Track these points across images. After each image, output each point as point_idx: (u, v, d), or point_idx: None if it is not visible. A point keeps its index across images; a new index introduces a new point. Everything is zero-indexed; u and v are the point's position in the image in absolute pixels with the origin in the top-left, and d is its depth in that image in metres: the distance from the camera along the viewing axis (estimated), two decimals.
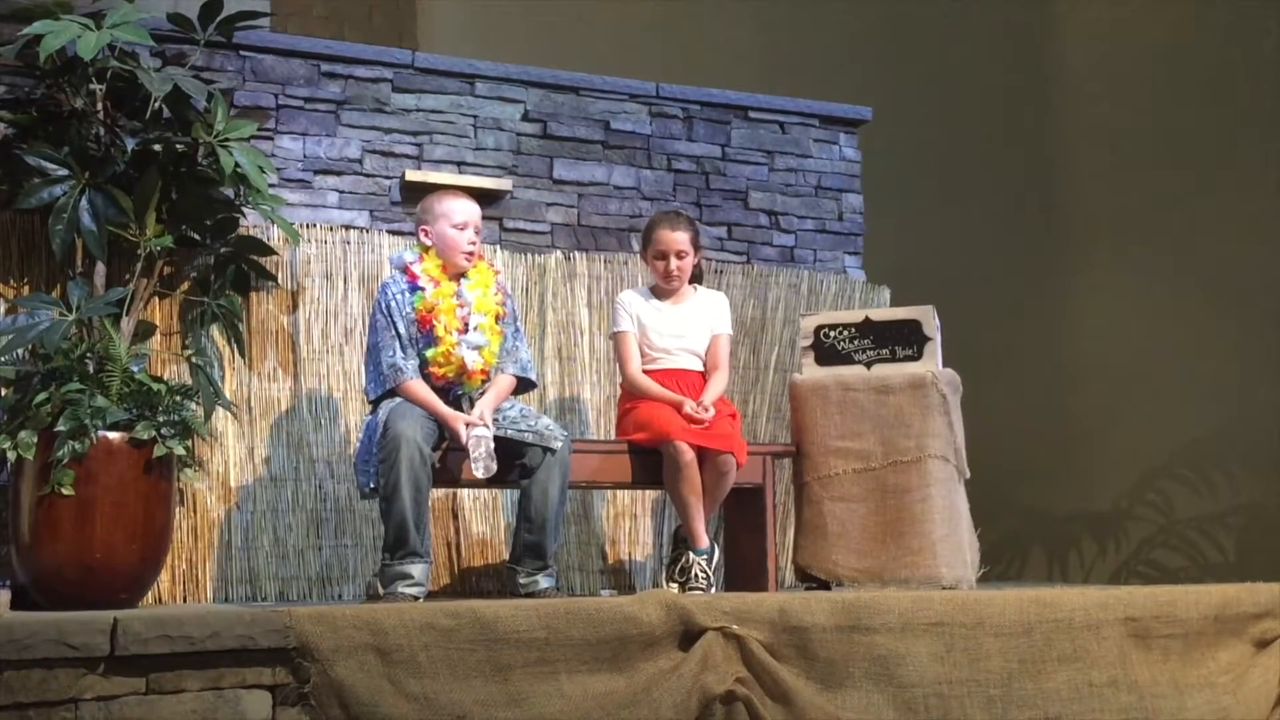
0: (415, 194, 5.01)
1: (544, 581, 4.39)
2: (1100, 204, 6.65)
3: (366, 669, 3.44)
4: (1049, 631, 4.05)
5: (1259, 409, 5.88)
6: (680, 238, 4.85)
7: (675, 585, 4.68)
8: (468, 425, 4.30)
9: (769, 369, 5.73)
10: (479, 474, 4.28)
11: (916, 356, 4.91)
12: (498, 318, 4.52)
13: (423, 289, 4.45)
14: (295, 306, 5.01)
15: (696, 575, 4.63)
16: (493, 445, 4.30)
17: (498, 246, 5.37)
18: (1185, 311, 6.18)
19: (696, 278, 5.00)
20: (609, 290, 5.45)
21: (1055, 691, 4.00)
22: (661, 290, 4.90)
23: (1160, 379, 6.25)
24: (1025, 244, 6.91)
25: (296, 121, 5.16)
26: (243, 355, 4.85)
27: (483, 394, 4.46)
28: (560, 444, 4.39)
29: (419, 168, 5.32)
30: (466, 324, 4.45)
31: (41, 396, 3.93)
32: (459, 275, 4.53)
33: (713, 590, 4.62)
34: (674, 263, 4.84)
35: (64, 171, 4.35)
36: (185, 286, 4.74)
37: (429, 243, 4.53)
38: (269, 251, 4.84)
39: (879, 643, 3.89)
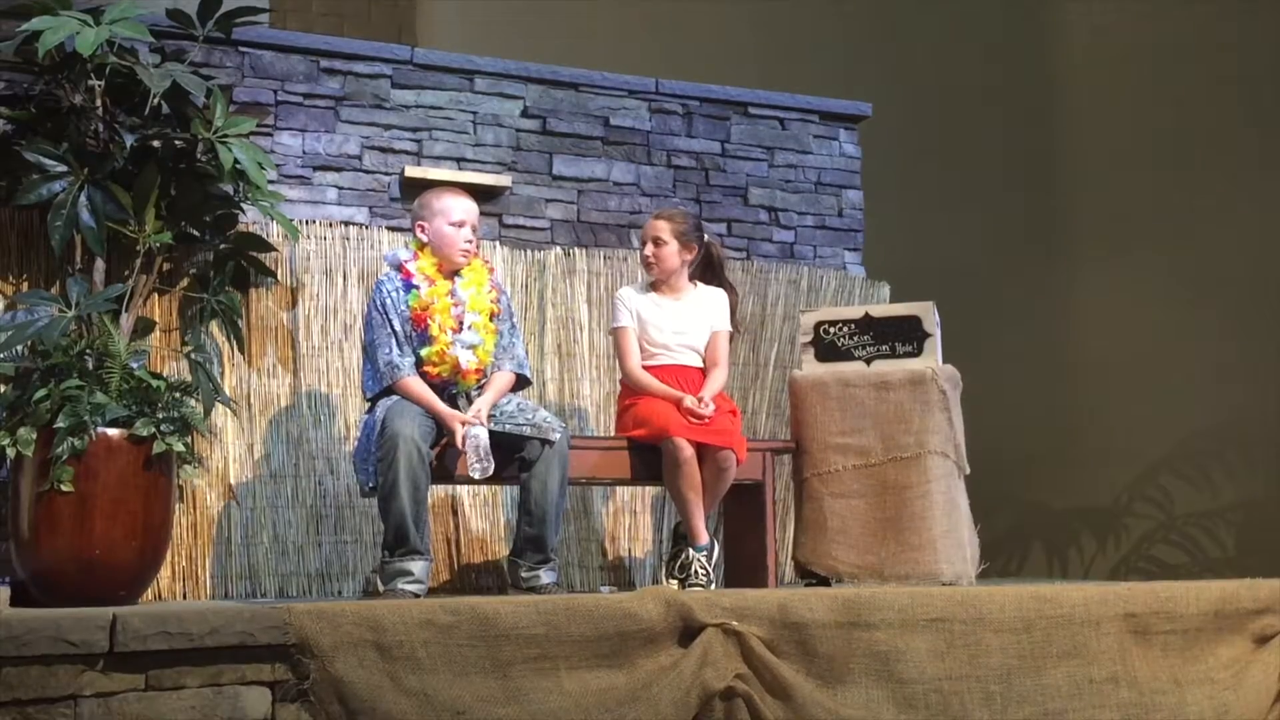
0: (415, 190, 5.00)
1: (545, 576, 4.39)
2: (1100, 200, 6.65)
3: (366, 665, 3.44)
4: (1049, 627, 4.05)
5: (1259, 405, 5.88)
6: (658, 225, 4.84)
7: (675, 582, 4.68)
8: (464, 424, 4.30)
9: (769, 365, 5.73)
10: (475, 475, 4.28)
11: (916, 353, 4.90)
12: (492, 315, 4.52)
13: (417, 287, 4.45)
14: (295, 303, 5.01)
15: (696, 572, 4.63)
16: (489, 446, 4.30)
17: (497, 243, 5.37)
18: (1185, 307, 6.18)
19: (708, 275, 4.96)
20: (608, 286, 5.44)
21: (1055, 687, 4.00)
22: (661, 286, 4.90)
23: (1160, 374, 6.25)
24: (1025, 240, 6.91)
25: (296, 118, 5.16)
26: (242, 352, 4.85)
27: (480, 392, 4.46)
28: (558, 436, 4.38)
29: (418, 164, 5.31)
30: (461, 323, 4.45)
31: (41, 393, 3.93)
32: (454, 273, 4.52)
33: (712, 587, 4.62)
34: (649, 249, 4.84)
35: (63, 168, 4.35)
36: (184, 283, 4.74)
37: (425, 239, 4.53)
38: (268, 248, 4.84)
39: (879, 639, 3.89)
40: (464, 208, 4.54)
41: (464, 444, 4.27)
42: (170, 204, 4.53)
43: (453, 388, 4.45)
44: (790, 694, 3.77)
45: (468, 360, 4.42)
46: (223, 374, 4.71)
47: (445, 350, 4.40)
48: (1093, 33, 6.78)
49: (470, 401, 4.43)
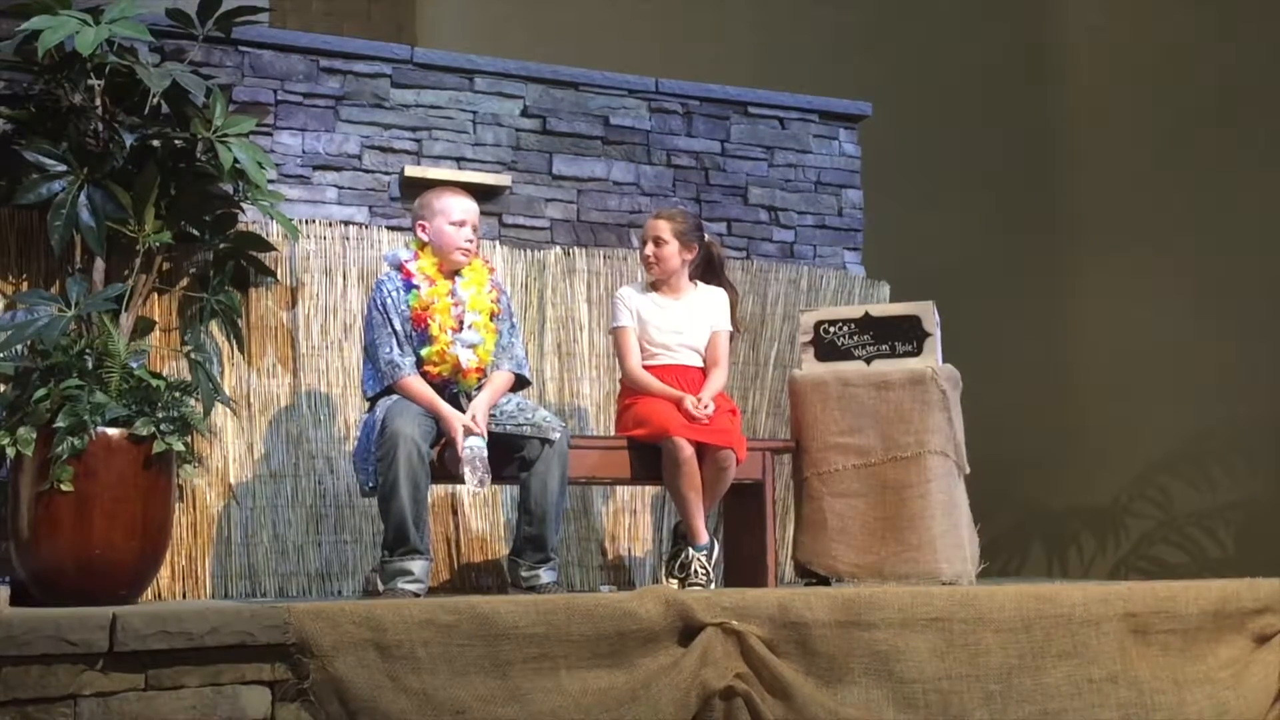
0: (414, 190, 5.00)
1: (545, 576, 4.39)
2: (1100, 199, 6.65)
3: (366, 665, 3.44)
4: (1048, 627, 4.05)
5: (1259, 404, 5.87)
6: (658, 224, 4.85)
7: (675, 581, 4.68)
8: (465, 430, 4.29)
9: (768, 365, 5.73)
10: (471, 488, 4.28)
11: (916, 352, 4.90)
12: (492, 315, 4.52)
13: (417, 287, 4.45)
14: (294, 302, 5.01)
15: (696, 571, 4.63)
16: (486, 456, 4.30)
17: (497, 242, 5.37)
18: (1185, 306, 6.17)
19: (708, 275, 4.96)
20: (608, 286, 5.44)
21: (1054, 687, 4.01)
22: (661, 286, 4.89)
23: (1160, 374, 6.25)
24: (1025, 239, 6.91)
25: (295, 117, 5.16)
26: (242, 351, 4.85)
27: (479, 391, 4.46)
28: (558, 435, 4.39)
29: (418, 163, 5.31)
30: (461, 322, 4.45)
31: (41, 393, 3.93)
32: (454, 272, 4.52)
33: (712, 586, 4.62)
34: (649, 249, 4.84)
35: (62, 167, 4.35)
36: (184, 282, 4.75)
37: (426, 239, 4.53)
38: (268, 247, 4.84)
39: (879, 638, 3.89)
40: (464, 207, 4.54)
41: (461, 454, 4.26)
42: (170, 203, 4.52)
43: (453, 387, 4.45)
44: (790, 693, 3.77)
45: (468, 359, 4.43)
46: (222, 374, 4.71)
47: (446, 350, 4.41)
48: (1092, 32, 6.78)
49: (471, 400, 4.43)
